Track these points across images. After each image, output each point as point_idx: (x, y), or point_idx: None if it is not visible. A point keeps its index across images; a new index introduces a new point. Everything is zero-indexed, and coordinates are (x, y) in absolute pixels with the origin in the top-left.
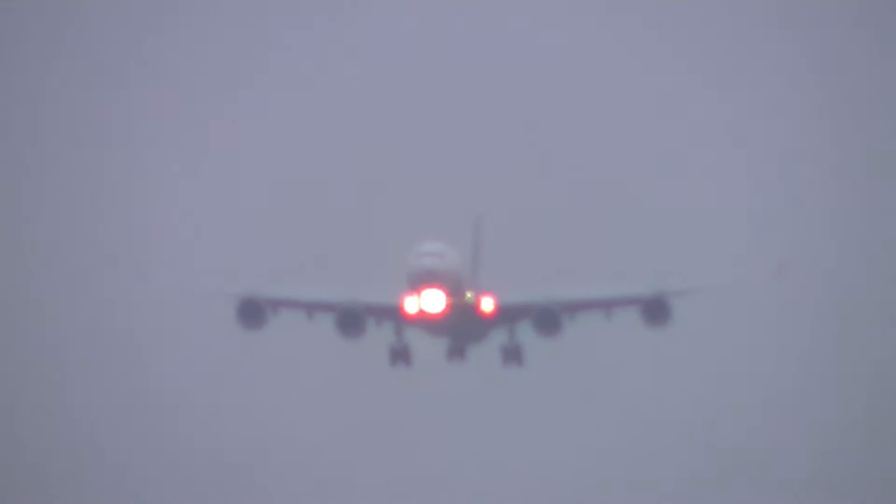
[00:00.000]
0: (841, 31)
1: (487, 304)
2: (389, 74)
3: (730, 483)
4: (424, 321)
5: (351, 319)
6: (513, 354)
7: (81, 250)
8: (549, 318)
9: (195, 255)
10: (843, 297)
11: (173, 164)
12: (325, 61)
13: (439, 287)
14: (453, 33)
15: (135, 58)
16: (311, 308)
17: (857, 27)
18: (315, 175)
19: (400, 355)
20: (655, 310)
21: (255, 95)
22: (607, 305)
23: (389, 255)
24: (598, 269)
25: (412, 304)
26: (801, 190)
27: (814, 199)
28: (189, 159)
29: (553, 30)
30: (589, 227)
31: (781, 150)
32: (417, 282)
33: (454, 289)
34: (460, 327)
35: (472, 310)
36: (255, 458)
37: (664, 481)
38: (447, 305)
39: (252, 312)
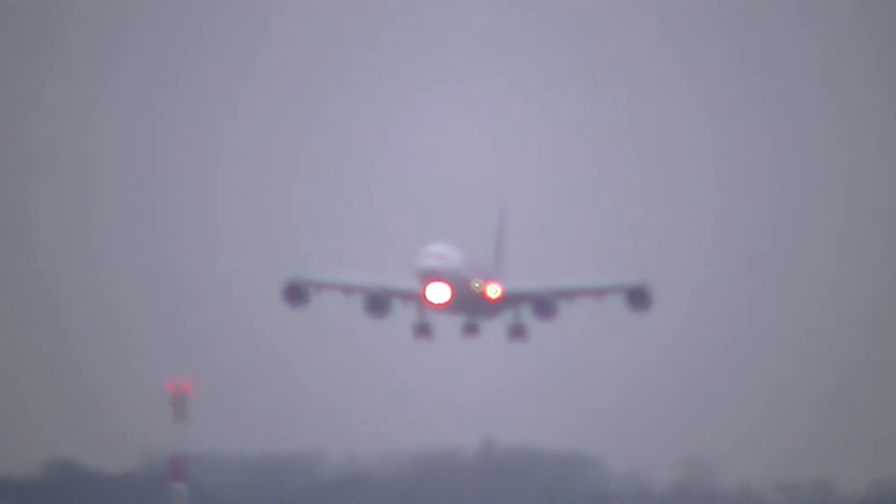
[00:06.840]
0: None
1: (493, 291)
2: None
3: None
4: (439, 305)
5: (377, 302)
6: (518, 332)
7: (163, 236)
8: (544, 305)
9: (255, 244)
10: (810, 291)
11: (240, 169)
12: (356, 60)
13: (442, 282)
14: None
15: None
16: (347, 290)
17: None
18: (360, 176)
19: (422, 331)
20: (638, 297)
21: (306, 104)
22: (598, 293)
23: (421, 246)
24: (594, 262)
25: (430, 292)
26: (777, 188)
27: (789, 196)
28: (252, 165)
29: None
30: (589, 225)
31: (762, 148)
32: (423, 278)
33: (458, 282)
34: (471, 309)
35: (480, 296)
36: (300, 407)
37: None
38: (450, 297)
39: (296, 293)
